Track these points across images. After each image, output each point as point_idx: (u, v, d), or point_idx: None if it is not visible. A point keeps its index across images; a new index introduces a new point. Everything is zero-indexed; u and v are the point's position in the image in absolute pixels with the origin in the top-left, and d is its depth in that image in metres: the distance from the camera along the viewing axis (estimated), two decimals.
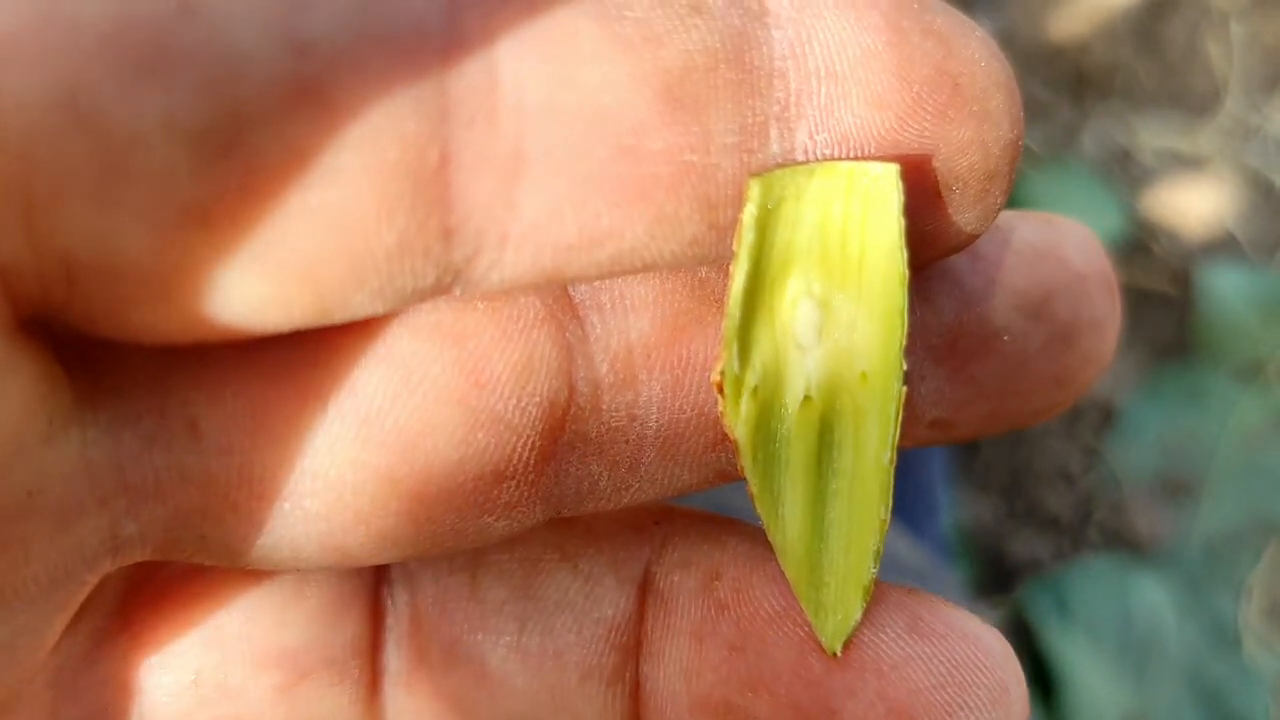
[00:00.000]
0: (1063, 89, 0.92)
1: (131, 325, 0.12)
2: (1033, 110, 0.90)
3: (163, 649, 0.16)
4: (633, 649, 0.16)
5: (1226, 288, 0.85)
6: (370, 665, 0.17)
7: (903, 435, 0.16)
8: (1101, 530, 0.82)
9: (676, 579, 0.16)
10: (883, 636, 0.15)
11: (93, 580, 0.14)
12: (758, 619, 0.16)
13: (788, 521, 0.15)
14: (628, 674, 0.16)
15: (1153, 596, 0.75)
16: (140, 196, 0.11)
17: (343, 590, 0.17)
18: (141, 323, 0.12)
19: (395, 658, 0.17)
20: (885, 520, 0.15)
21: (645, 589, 0.17)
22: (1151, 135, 0.91)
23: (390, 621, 0.17)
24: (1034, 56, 0.92)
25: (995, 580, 0.79)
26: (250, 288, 0.12)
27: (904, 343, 0.15)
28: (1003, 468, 0.83)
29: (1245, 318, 0.84)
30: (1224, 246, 0.88)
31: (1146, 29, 0.93)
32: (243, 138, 0.11)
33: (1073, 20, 0.93)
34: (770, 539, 0.15)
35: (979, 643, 0.15)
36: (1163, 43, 0.93)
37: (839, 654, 0.15)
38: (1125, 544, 0.81)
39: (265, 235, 0.12)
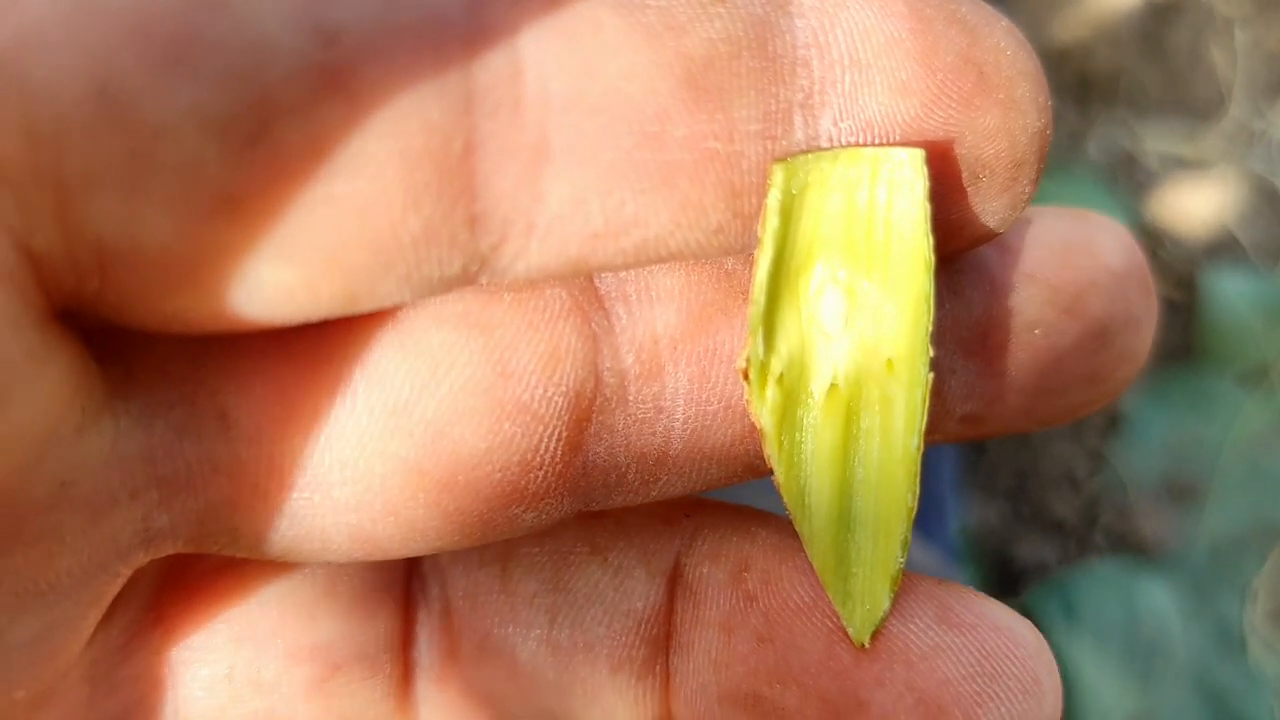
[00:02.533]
0: (1067, 95, 0.92)
1: (162, 314, 0.12)
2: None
3: (196, 644, 0.16)
4: (663, 641, 0.16)
5: (1231, 292, 0.85)
6: (402, 659, 0.17)
7: (934, 430, 0.16)
8: (1107, 534, 0.82)
9: (706, 570, 0.16)
10: (912, 627, 0.15)
11: (126, 573, 0.14)
12: (786, 610, 0.15)
13: (814, 511, 0.15)
14: (658, 666, 0.16)
15: (1158, 600, 0.75)
16: (169, 185, 0.11)
17: (374, 585, 0.17)
18: (172, 311, 0.12)
19: (427, 652, 0.17)
20: (913, 508, 0.15)
21: (675, 581, 0.17)
22: (1156, 140, 0.91)
23: (422, 615, 0.17)
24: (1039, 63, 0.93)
25: (1002, 584, 0.79)
26: (279, 275, 0.12)
27: (931, 329, 0.15)
28: (1009, 472, 0.83)
29: (1250, 322, 0.83)
30: (1228, 251, 0.88)
31: (1150, 35, 0.93)
32: (270, 127, 0.11)
33: (1077, 26, 0.93)
34: (796, 528, 0.15)
35: (1010, 633, 0.15)
36: (1167, 49, 0.93)
37: (867, 645, 0.15)
38: (1131, 548, 0.81)
39: (292, 223, 0.12)
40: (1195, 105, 0.92)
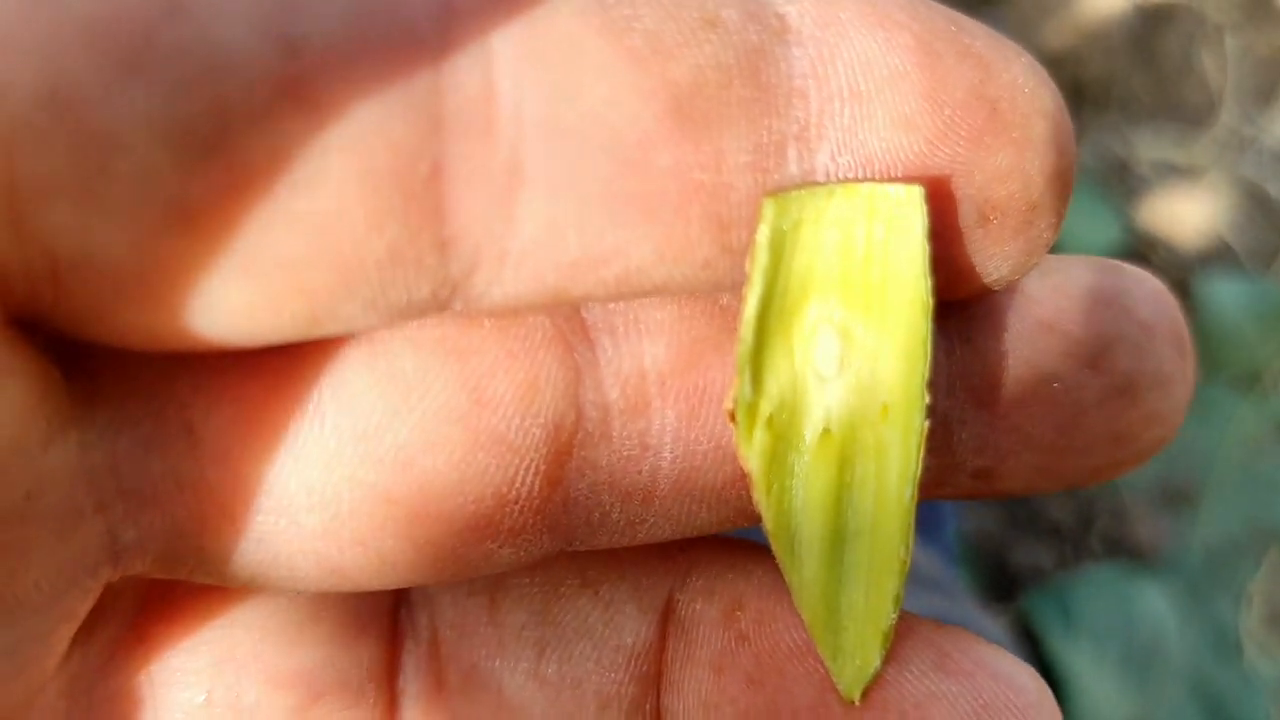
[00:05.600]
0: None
1: (117, 328, 0.12)
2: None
3: (177, 665, 0.16)
4: (653, 679, 0.16)
5: (1224, 298, 0.85)
6: (387, 689, 0.16)
7: (944, 484, 0.16)
8: (1103, 538, 0.82)
9: (699, 608, 0.16)
10: (907, 674, 0.14)
11: (96, 588, 0.14)
12: (778, 653, 0.15)
13: (804, 561, 0.14)
14: (648, 705, 0.16)
15: (1154, 604, 0.75)
16: (122, 195, 0.11)
17: (360, 612, 0.16)
18: (129, 325, 0.12)
19: (413, 682, 0.17)
20: (906, 561, 0.14)
21: (667, 617, 0.16)
22: (1148, 147, 0.91)
23: (408, 645, 0.17)
24: None
25: (998, 588, 0.79)
26: (236, 293, 0.12)
27: (928, 375, 0.14)
28: None
29: (1242, 328, 0.84)
30: (1220, 257, 0.89)
31: (1142, 41, 0.94)
32: (227, 137, 0.11)
33: (1068, 33, 0.94)
34: (785, 578, 0.15)
35: (1010, 682, 0.14)
36: (1158, 55, 0.94)
37: (857, 702, 0.14)
38: (1127, 552, 0.81)
39: (251, 239, 0.11)
40: (1186, 111, 0.92)
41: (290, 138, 0.11)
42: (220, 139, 0.11)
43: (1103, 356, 0.15)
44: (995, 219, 0.14)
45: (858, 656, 0.14)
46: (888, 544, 0.14)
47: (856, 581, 0.15)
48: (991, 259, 0.14)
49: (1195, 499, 0.80)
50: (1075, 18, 0.94)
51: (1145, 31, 0.94)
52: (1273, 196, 0.90)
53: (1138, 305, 0.16)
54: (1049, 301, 0.16)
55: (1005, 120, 0.13)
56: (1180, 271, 0.88)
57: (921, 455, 0.14)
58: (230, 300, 0.12)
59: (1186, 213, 0.90)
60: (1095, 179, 0.90)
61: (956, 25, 0.13)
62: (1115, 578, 0.77)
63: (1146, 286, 0.16)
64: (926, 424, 0.14)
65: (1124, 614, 0.75)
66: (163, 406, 0.13)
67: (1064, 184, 0.14)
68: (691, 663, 0.15)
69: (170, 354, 0.13)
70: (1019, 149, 0.13)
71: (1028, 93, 0.13)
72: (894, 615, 0.14)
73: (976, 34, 0.14)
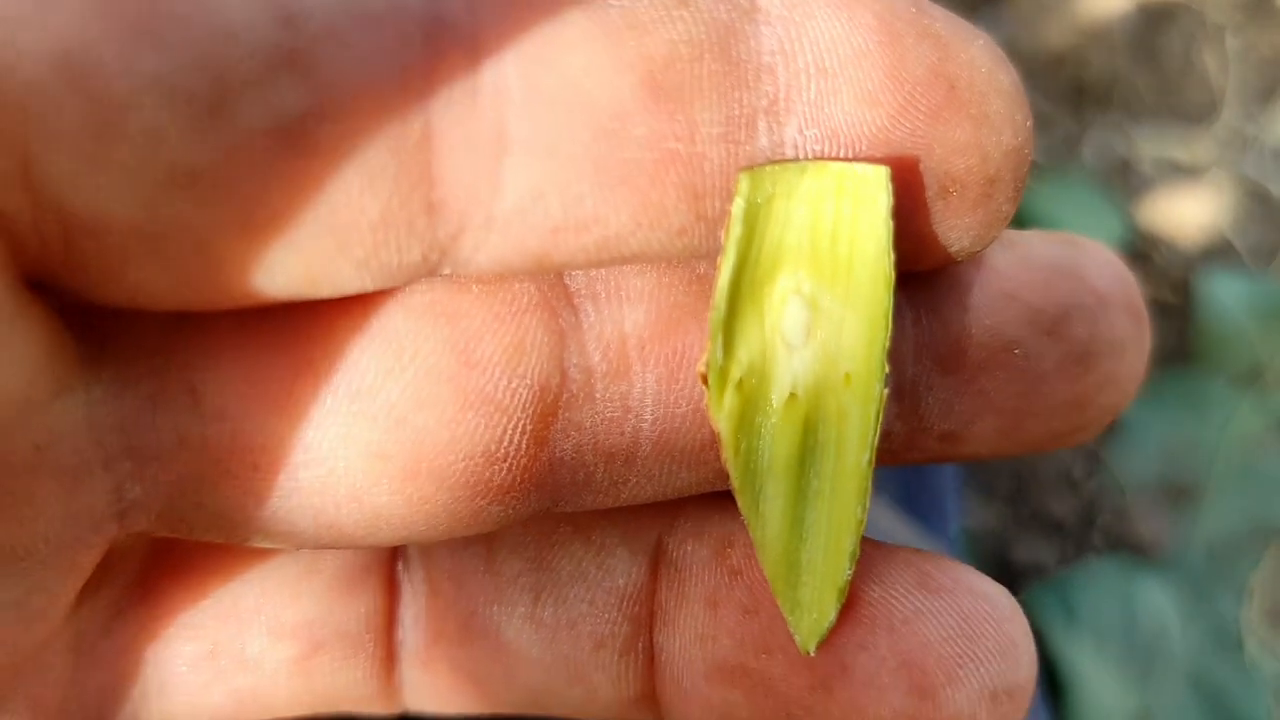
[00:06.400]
0: (1062, 100, 0.93)
1: (124, 287, 0.12)
2: (1034, 122, 0.91)
3: (181, 620, 0.16)
4: (645, 619, 0.16)
5: (1225, 295, 0.85)
6: (386, 639, 0.17)
7: (912, 448, 0.17)
8: (1105, 535, 0.82)
9: (689, 548, 0.16)
10: (893, 592, 0.15)
11: (101, 544, 0.14)
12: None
13: (767, 518, 0.15)
14: (641, 643, 0.16)
15: (1156, 600, 0.75)
16: (130, 155, 0.11)
17: (358, 565, 0.17)
18: (135, 284, 0.12)
19: (412, 632, 0.17)
20: (862, 521, 0.15)
21: (658, 559, 0.17)
22: (1150, 146, 0.91)
23: (406, 596, 0.17)
24: (1034, 68, 0.93)
25: (1001, 584, 0.79)
26: (237, 252, 0.12)
27: (888, 346, 0.15)
28: (1007, 474, 0.83)
29: (1244, 325, 0.84)
30: (1222, 254, 0.89)
31: (1143, 41, 0.94)
32: (229, 102, 0.12)
33: (1070, 32, 0.94)
34: (750, 533, 0.15)
35: (987, 598, 0.15)
36: (1160, 55, 0.94)
37: (813, 653, 0.15)
38: (1128, 548, 0.81)
39: (251, 200, 0.12)
40: (1188, 110, 0.93)
41: (287, 103, 0.12)
42: (221, 103, 0.12)
43: (1061, 325, 0.16)
44: (955, 192, 0.14)
45: (815, 610, 0.15)
46: (846, 504, 0.15)
47: (816, 539, 0.15)
48: (953, 230, 0.15)
49: (1197, 495, 0.80)
50: (1077, 17, 0.94)
51: (1147, 30, 0.94)
52: (1274, 195, 0.90)
53: (1094, 276, 0.17)
54: (1010, 273, 0.16)
55: (963, 97, 0.14)
56: (1182, 269, 0.88)
57: (879, 422, 0.15)
58: (231, 259, 0.12)
59: (1188, 211, 0.90)
60: (1097, 177, 0.90)
61: (917, 7, 0.14)
62: (1117, 574, 0.77)
63: (1102, 258, 0.17)
64: (885, 392, 0.15)
65: (1126, 610, 0.75)
66: (166, 366, 0.14)
67: (1020, 159, 0.14)
68: (685, 600, 0.16)
69: (173, 314, 0.13)
70: (976, 124, 0.14)
71: (985, 72, 0.14)
72: (849, 571, 0.15)
73: (936, 16, 0.14)
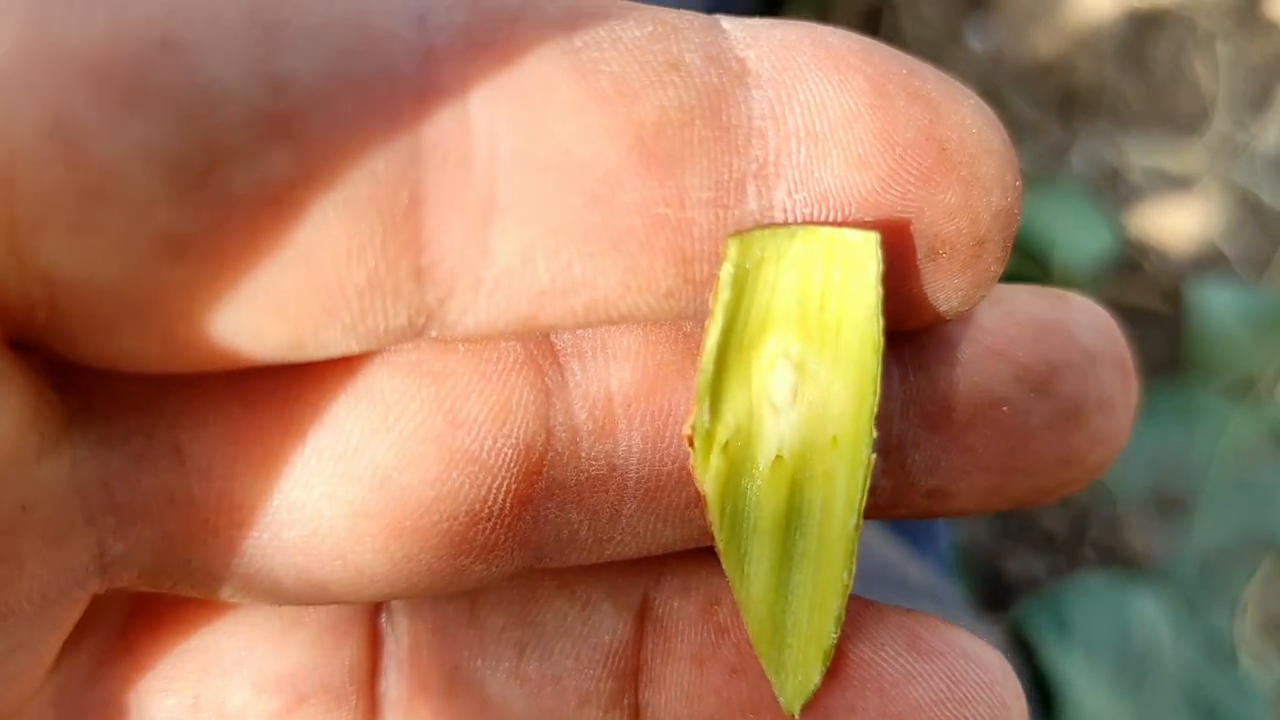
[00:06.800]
0: (1051, 109, 0.93)
1: (110, 351, 0.13)
2: (1022, 130, 0.91)
3: (163, 672, 0.16)
4: (631, 675, 0.16)
5: (1217, 305, 0.85)
6: (369, 692, 0.17)
7: (899, 504, 0.17)
8: (1096, 547, 0.82)
9: (676, 604, 0.16)
10: (883, 654, 0.15)
11: (84, 599, 0.14)
12: None
13: (752, 580, 0.15)
14: (626, 700, 0.16)
15: (1149, 612, 0.76)
16: (117, 224, 0.12)
17: (341, 617, 0.17)
18: (119, 349, 0.12)
19: (395, 685, 0.17)
20: (849, 585, 0.15)
21: (644, 615, 0.17)
22: (1140, 154, 0.92)
23: (390, 648, 0.17)
24: (1023, 77, 0.93)
25: (992, 598, 0.79)
26: (224, 318, 0.12)
27: (875, 410, 0.15)
28: None
29: (1236, 335, 0.84)
30: (1213, 264, 0.89)
31: (1132, 49, 0.94)
32: (217, 169, 0.12)
33: (1059, 40, 0.94)
34: (735, 595, 0.15)
35: (978, 660, 0.15)
36: (1149, 63, 0.94)
37: (797, 716, 0.15)
38: (1120, 560, 0.81)
39: (238, 267, 0.12)
40: (1178, 119, 0.93)
41: (276, 170, 0.12)
42: (210, 171, 0.12)
43: (1049, 382, 0.16)
44: (945, 253, 0.14)
45: (800, 673, 0.15)
46: (832, 567, 0.15)
47: (801, 601, 0.15)
48: (942, 291, 0.15)
49: (1189, 507, 0.81)
50: (1066, 24, 0.94)
51: (1136, 38, 0.94)
52: (1265, 203, 0.90)
53: (1082, 333, 0.17)
54: (998, 329, 0.16)
55: (954, 159, 0.14)
56: (1173, 279, 0.88)
57: (866, 485, 0.15)
58: (218, 325, 0.12)
59: (1179, 220, 0.90)
60: (1087, 187, 0.90)
61: (908, 68, 0.14)
62: (1109, 586, 0.77)
63: (1090, 314, 0.17)
64: (873, 456, 0.15)
65: (1118, 623, 0.75)
66: (152, 425, 0.14)
67: (1009, 220, 0.15)
68: (671, 657, 0.16)
69: (159, 376, 0.13)
70: (967, 187, 0.14)
71: (975, 133, 0.14)
72: (835, 634, 0.15)
73: (927, 76, 0.14)
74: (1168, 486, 0.81)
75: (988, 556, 0.81)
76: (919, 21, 0.93)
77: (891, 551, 0.40)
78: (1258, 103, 0.92)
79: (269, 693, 0.16)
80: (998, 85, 0.91)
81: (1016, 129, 0.91)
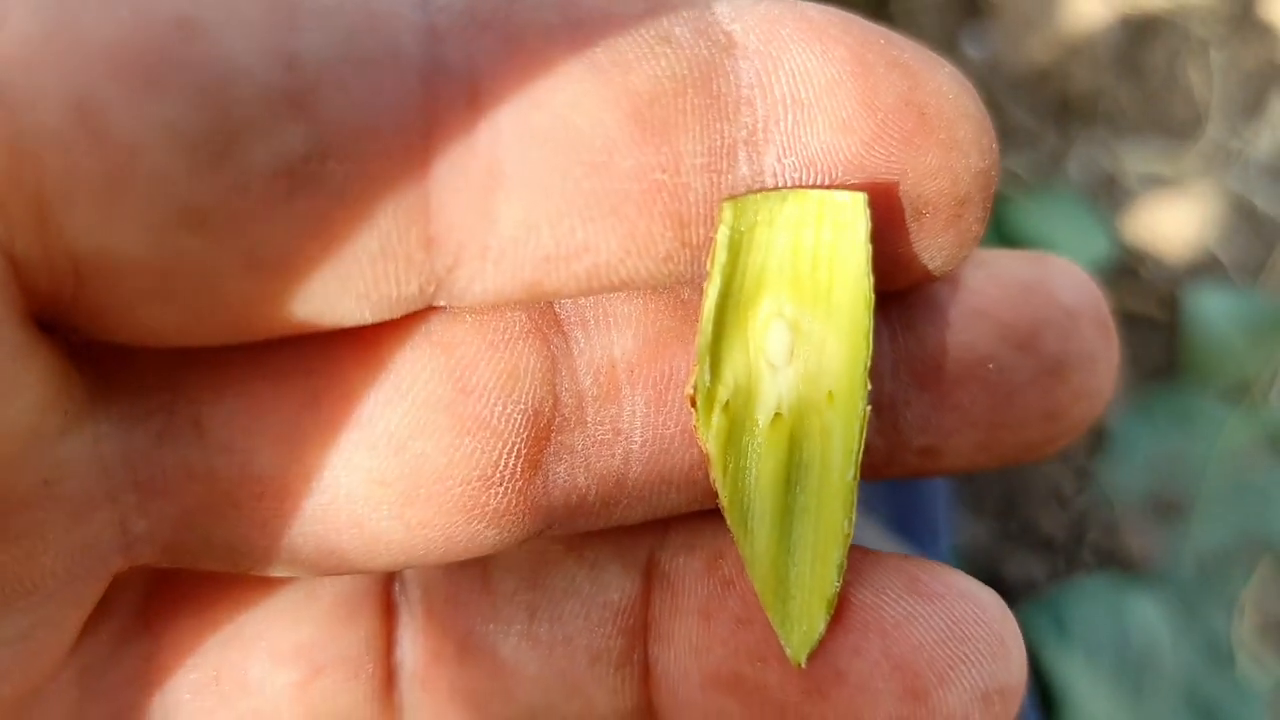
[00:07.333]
0: (1047, 115, 0.93)
1: (134, 324, 0.13)
2: (1018, 137, 0.91)
3: (185, 648, 0.16)
4: (640, 632, 0.17)
5: (1212, 310, 0.85)
6: (385, 661, 0.17)
7: (892, 462, 0.17)
8: (1095, 550, 0.82)
9: (681, 561, 0.17)
10: (884, 598, 0.16)
11: (107, 576, 0.14)
12: None
13: (756, 534, 0.16)
14: (636, 656, 0.17)
15: (1147, 615, 0.76)
16: (141, 199, 0.12)
17: (356, 588, 0.17)
18: (143, 322, 0.13)
19: (410, 653, 0.17)
20: (849, 535, 0.15)
21: (651, 573, 0.17)
22: (1135, 160, 0.92)
23: (404, 618, 0.17)
24: (1019, 84, 0.93)
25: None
26: (243, 290, 0.13)
27: (869, 364, 0.15)
28: (997, 490, 0.83)
29: (1231, 339, 0.84)
30: (1208, 269, 0.89)
31: (1127, 56, 0.94)
32: (235, 145, 0.12)
33: (1054, 47, 0.94)
34: (739, 550, 0.16)
35: (976, 600, 0.16)
36: (1144, 69, 0.94)
37: (803, 665, 0.15)
38: (1119, 563, 0.81)
39: (257, 239, 0.12)
40: (1173, 125, 0.93)
41: (291, 145, 0.12)
42: (228, 147, 0.12)
43: (1032, 339, 0.17)
44: (928, 214, 0.15)
45: (804, 622, 0.15)
46: (832, 518, 0.15)
47: (803, 553, 0.16)
48: (926, 250, 0.15)
49: (1186, 510, 0.81)
50: (1061, 31, 0.95)
51: (1131, 45, 0.95)
52: (1259, 208, 0.90)
53: (1063, 292, 0.17)
54: (982, 291, 0.17)
55: (932, 124, 0.14)
56: (1168, 284, 0.88)
57: (863, 437, 0.15)
58: (238, 297, 0.13)
59: (1174, 225, 0.90)
60: (1083, 193, 0.90)
61: (885, 39, 0.15)
62: (1108, 589, 0.77)
63: (1070, 275, 0.18)
64: (868, 409, 0.15)
65: (1117, 625, 0.75)
66: (173, 402, 0.14)
67: (988, 181, 0.15)
68: (679, 612, 0.16)
69: (179, 350, 0.14)
70: (946, 149, 0.14)
71: (952, 99, 0.15)
72: (838, 584, 0.15)
73: (904, 46, 0.15)
74: (1165, 490, 0.81)
75: (987, 560, 0.81)
76: (915, 29, 0.93)
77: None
78: (1251, 109, 0.93)
79: (287, 664, 0.17)
80: (994, 93, 0.92)
81: (1013, 136, 0.91)
